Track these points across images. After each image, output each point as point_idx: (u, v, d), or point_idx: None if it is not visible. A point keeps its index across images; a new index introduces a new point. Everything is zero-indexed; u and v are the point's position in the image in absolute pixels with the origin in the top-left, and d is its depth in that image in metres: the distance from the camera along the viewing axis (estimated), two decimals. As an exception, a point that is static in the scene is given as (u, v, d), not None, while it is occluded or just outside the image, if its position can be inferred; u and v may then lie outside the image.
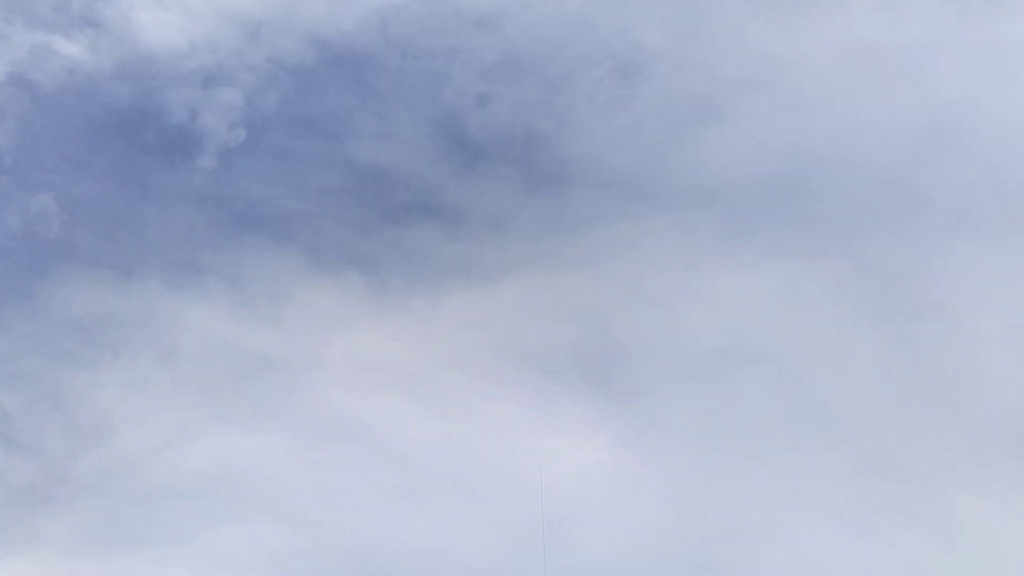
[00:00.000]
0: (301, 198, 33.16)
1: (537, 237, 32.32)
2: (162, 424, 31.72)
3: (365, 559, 32.20)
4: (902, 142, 32.02)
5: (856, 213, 31.30)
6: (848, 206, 31.32)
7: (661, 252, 31.34)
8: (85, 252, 31.83)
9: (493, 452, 30.47)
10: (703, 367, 30.92)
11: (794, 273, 30.62)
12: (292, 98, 34.44)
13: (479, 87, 34.67)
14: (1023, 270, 28.25)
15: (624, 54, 35.08)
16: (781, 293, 30.34)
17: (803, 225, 31.20)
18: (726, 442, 29.35)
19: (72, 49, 34.37)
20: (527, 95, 34.79)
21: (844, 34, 34.66)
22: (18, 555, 29.23)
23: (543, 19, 35.65)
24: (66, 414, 31.21)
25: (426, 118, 34.91)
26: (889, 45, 34.00)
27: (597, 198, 32.27)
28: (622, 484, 30.16)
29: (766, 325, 29.92)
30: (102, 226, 32.20)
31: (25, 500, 30.26)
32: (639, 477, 30.43)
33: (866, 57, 34.19)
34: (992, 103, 31.79)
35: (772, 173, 31.94)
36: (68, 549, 30.39)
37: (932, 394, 28.44)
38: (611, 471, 29.78)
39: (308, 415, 32.38)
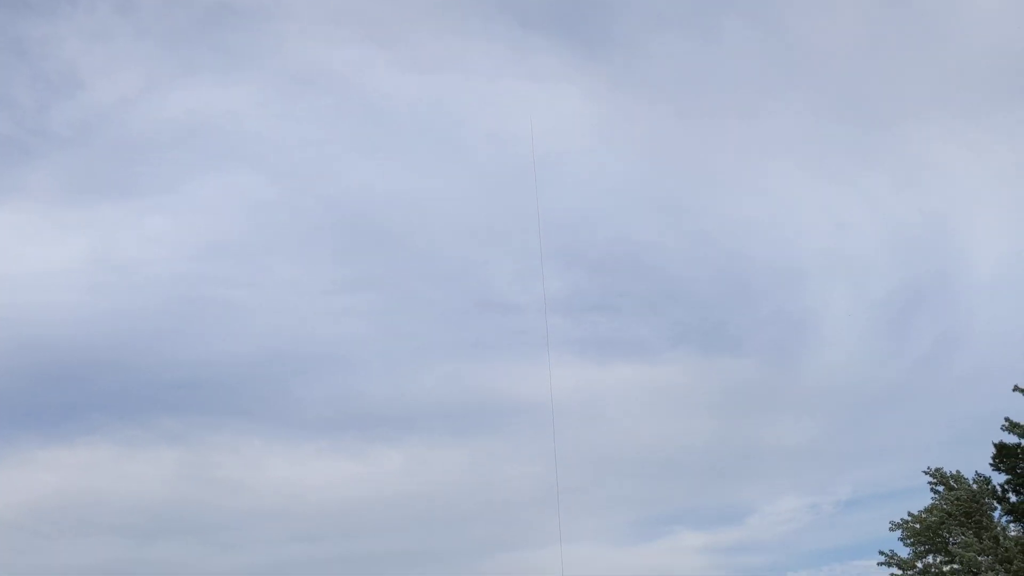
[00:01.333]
0: None
1: None
2: (130, 76, 31.04)
3: (346, 208, 32.93)
4: None
5: None
6: None
7: None
8: None
9: (469, 102, 30.40)
10: (683, 13, 30.40)
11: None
12: None
13: None
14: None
15: None
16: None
17: None
18: (703, 88, 29.63)
19: None
20: None
21: None
22: (3, 206, 29.51)
23: None
24: (32, 66, 30.33)
25: None
26: None
27: None
28: (600, 132, 30.51)
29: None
30: None
31: (3, 153, 30.08)
32: (617, 125, 30.77)
33: None
34: None
35: None
36: (52, 199, 30.72)
37: (910, 36, 28.54)
38: (589, 120, 29.99)
39: (279, 66, 31.74)
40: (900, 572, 13.39)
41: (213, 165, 31.81)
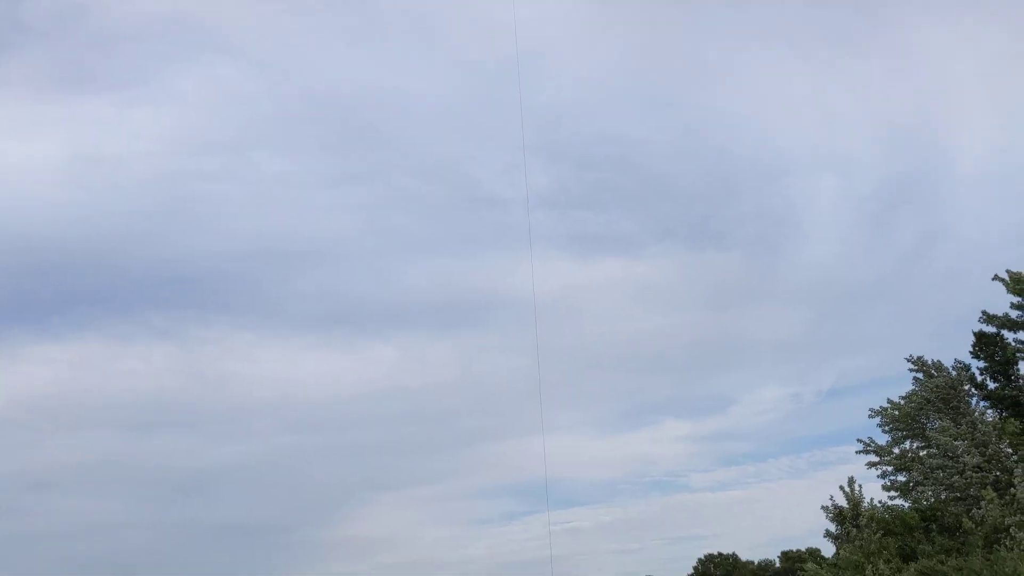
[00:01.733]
0: None
1: None
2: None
3: (330, 101, 32.42)
4: None
5: None
6: None
7: None
8: None
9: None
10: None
11: None
12: None
13: None
14: None
15: None
16: None
17: None
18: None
19: None
20: None
21: None
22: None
23: None
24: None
25: None
26: None
27: None
28: (586, 23, 29.95)
29: None
30: None
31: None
32: (604, 15, 30.20)
33: None
34: None
35: None
36: (32, 93, 30.16)
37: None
38: (575, 10, 29.42)
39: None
40: (877, 458, 13.71)
41: (192, 57, 31.21)
